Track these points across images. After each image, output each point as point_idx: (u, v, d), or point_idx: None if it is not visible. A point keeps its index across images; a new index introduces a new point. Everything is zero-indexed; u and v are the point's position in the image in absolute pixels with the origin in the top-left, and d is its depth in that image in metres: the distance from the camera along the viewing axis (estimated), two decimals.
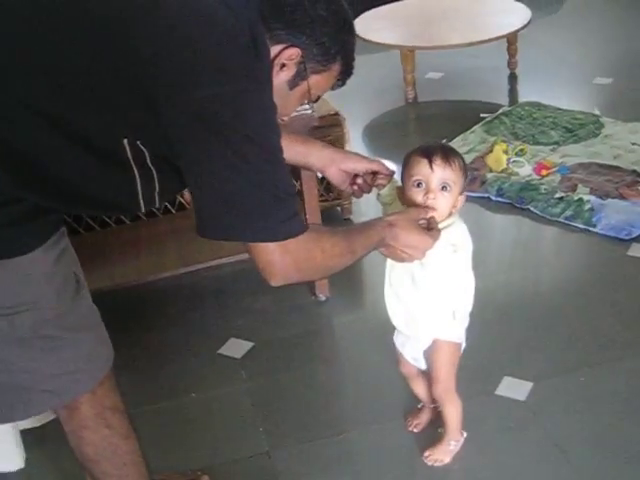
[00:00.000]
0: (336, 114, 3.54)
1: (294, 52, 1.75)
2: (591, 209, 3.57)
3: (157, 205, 1.87)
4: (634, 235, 3.44)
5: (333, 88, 1.92)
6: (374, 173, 2.26)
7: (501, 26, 4.93)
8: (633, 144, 4.07)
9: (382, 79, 5.23)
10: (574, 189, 3.72)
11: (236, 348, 3.07)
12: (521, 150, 4.03)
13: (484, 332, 3.00)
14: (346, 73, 1.89)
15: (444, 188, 2.13)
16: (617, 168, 3.87)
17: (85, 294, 1.96)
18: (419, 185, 2.13)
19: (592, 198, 3.63)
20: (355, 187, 2.28)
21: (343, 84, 1.93)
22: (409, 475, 2.48)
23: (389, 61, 5.18)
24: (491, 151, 4.02)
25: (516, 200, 3.74)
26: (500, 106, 4.65)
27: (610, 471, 2.42)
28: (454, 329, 2.33)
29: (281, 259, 1.75)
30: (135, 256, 3.29)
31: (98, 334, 2.00)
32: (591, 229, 3.52)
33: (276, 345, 3.08)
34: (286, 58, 1.76)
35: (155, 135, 1.68)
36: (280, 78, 1.78)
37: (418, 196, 2.13)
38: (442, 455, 2.49)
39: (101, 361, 2.00)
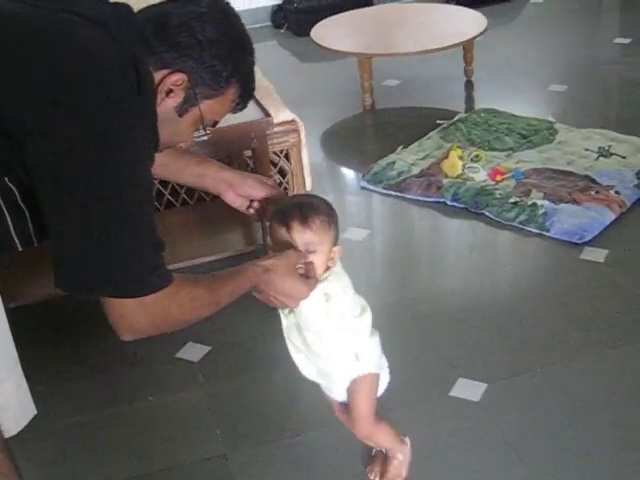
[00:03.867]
0: (293, 121, 3.56)
1: (179, 77, 1.69)
2: (545, 214, 3.62)
3: (35, 243, 1.76)
4: (586, 239, 3.49)
5: (234, 111, 1.86)
6: (271, 200, 2.19)
7: (457, 34, 4.97)
8: (586, 150, 4.12)
9: (339, 86, 5.26)
10: (528, 194, 3.77)
11: (193, 352, 3.07)
12: (476, 156, 4.08)
13: (439, 335, 3.06)
14: (245, 95, 1.83)
15: (310, 251, 2.04)
16: (570, 173, 3.92)
17: None
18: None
19: (546, 203, 3.68)
20: (251, 211, 2.23)
21: (244, 107, 1.87)
22: (365, 477, 2.50)
23: (346, 69, 5.21)
24: (447, 157, 4.06)
25: (471, 205, 3.78)
26: (456, 113, 4.69)
27: (562, 468, 2.46)
28: (365, 364, 2.20)
29: (135, 314, 1.69)
30: None
31: None
32: (545, 233, 3.56)
33: (233, 348, 3.09)
34: (172, 84, 1.70)
35: (21, 173, 1.61)
36: (167, 105, 1.72)
37: None
38: (398, 471, 2.40)
39: None
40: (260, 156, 3.09)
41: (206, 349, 3.08)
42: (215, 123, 1.86)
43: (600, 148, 4.12)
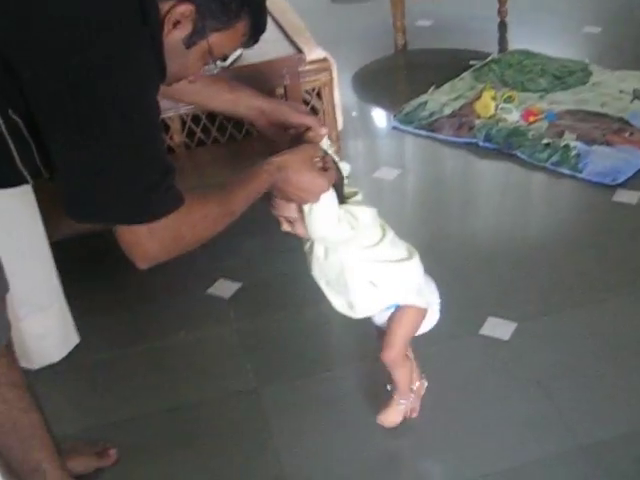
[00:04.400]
0: (325, 59, 3.52)
1: (186, 8, 1.63)
2: (577, 155, 3.60)
3: (46, 176, 1.76)
4: (619, 181, 3.47)
5: (245, 46, 1.82)
6: (307, 128, 2.10)
7: None
8: (621, 92, 4.08)
9: (371, 27, 5.22)
10: (561, 135, 3.74)
11: (225, 288, 3.10)
12: (509, 97, 4.04)
13: (469, 274, 3.07)
14: (256, 30, 1.78)
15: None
16: (604, 115, 3.89)
17: None
18: None
19: (579, 144, 3.65)
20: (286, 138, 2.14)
21: (255, 42, 1.81)
22: None
23: (378, 9, 5.17)
24: (479, 97, 4.03)
25: (503, 146, 3.77)
26: (489, 54, 4.65)
27: (588, 405, 2.48)
28: (390, 294, 2.20)
29: (147, 241, 1.68)
30: None
31: None
32: (577, 175, 3.54)
33: (264, 286, 3.11)
34: (179, 15, 1.64)
35: (23, 104, 1.59)
36: (174, 36, 1.67)
37: None
38: (394, 415, 2.43)
39: None
40: (292, 93, 3.07)
41: (237, 285, 3.11)
42: (225, 57, 1.81)
43: (635, 90, 4.07)
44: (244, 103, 2.13)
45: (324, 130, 2.10)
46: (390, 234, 2.16)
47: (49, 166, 1.72)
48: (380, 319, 2.30)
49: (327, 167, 1.98)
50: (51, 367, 2.75)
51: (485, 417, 2.48)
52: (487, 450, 2.38)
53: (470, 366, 2.67)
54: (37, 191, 2.58)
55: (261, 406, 2.60)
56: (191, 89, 2.04)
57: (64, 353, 2.79)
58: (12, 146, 1.66)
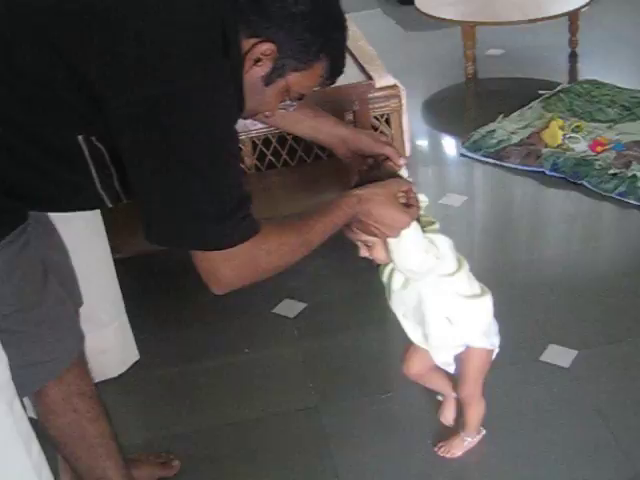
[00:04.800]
0: (394, 86, 3.58)
1: (268, 47, 1.68)
2: None
3: (125, 201, 1.82)
4: None
5: (322, 86, 1.84)
6: (386, 158, 2.14)
7: (563, 3, 4.94)
8: None
9: (442, 55, 5.29)
10: (628, 166, 3.75)
11: (290, 308, 3.17)
12: (577, 127, 4.07)
13: (533, 301, 3.09)
14: (334, 72, 1.81)
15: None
16: None
17: (52, 287, 1.94)
18: None
19: None
20: (365, 167, 2.16)
21: (332, 82, 1.85)
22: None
23: (449, 38, 5.24)
24: (547, 126, 4.06)
25: (570, 175, 3.78)
26: (559, 84, 4.67)
27: None
28: (464, 333, 2.24)
29: (223, 267, 1.72)
30: None
31: (62, 326, 2.00)
32: None
33: (328, 306, 3.17)
34: (261, 53, 1.69)
35: (106, 132, 1.64)
36: (254, 73, 1.72)
37: None
38: (455, 449, 2.47)
39: (65, 352, 2.02)
40: (361, 119, 3.14)
41: (302, 306, 3.17)
42: (302, 96, 1.85)
43: None
44: (326, 130, 2.16)
45: (402, 160, 2.13)
46: (466, 267, 2.18)
47: (128, 192, 1.79)
48: (443, 357, 2.34)
49: (410, 203, 1.99)
50: (116, 380, 2.83)
51: (542, 443, 2.50)
52: (542, 476, 2.40)
53: (530, 392, 2.69)
54: (103, 212, 2.69)
55: (322, 424, 2.65)
56: (277, 113, 2.06)
57: (123, 369, 2.88)
58: (94, 171, 1.74)
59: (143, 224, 1.70)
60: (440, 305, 2.18)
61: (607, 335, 2.89)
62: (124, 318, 2.83)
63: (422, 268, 2.07)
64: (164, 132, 1.60)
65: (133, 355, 2.91)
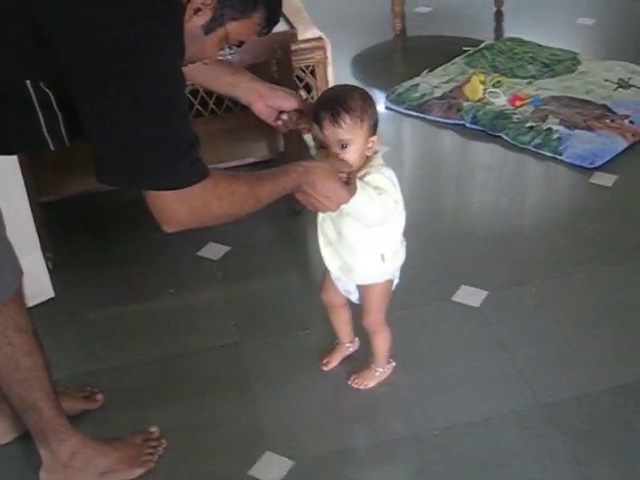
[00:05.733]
0: (319, 38, 3.66)
1: None
2: (559, 138, 3.74)
3: (67, 144, 1.86)
4: (597, 164, 3.61)
5: (259, 35, 1.90)
6: (301, 112, 2.27)
7: None
8: (606, 80, 4.22)
9: (371, 12, 5.36)
10: (545, 119, 3.88)
11: (214, 251, 3.26)
12: (498, 82, 4.19)
13: (448, 246, 3.22)
14: (270, 21, 1.88)
15: (343, 146, 2.15)
16: (588, 102, 4.03)
17: None
18: (322, 147, 2.19)
19: (561, 128, 3.79)
20: (279, 122, 2.30)
21: (269, 31, 1.91)
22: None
23: None
24: (469, 81, 4.18)
25: (489, 127, 3.91)
26: (484, 42, 4.78)
27: (549, 369, 2.63)
28: (385, 270, 2.39)
29: (175, 207, 1.79)
30: None
31: (1, 263, 2.06)
32: (557, 157, 3.69)
33: (252, 250, 3.27)
34: (200, 3, 1.75)
35: (55, 76, 1.70)
36: (194, 22, 1.77)
37: (324, 155, 2.18)
38: (367, 380, 2.60)
39: (4, 286, 2.07)
40: (284, 68, 3.21)
41: (226, 249, 3.26)
42: (241, 44, 1.91)
43: (620, 79, 4.22)
44: (243, 86, 2.26)
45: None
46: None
47: (72, 136, 1.84)
48: (345, 285, 2.48)
49: (349, 181, 2.11)
50: (39, 318, 2.89)
51: (449, 376, 2.63)
52: (448, 405, 2.53)
53: (440, 329, 2.82)
54: (33, 155, 2.75)
55: (242, 359, 2.75)
56: (196, 67, 2.15)
57: (30, 304, 2.93)
58: (41, 116, 1.78)
59: (95, 165, 1.75)
60: (379, 242, 2.31)
61: (516, 277, 3.03)
62: (38, 254, 2.89)
63: (385, 216, 2.21)
64: (117, 76, 1.65)
65: (45, 293, 2.97)
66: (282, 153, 3.40)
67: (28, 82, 1.72)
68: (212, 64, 2.22)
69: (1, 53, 1.71)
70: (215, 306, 2.99)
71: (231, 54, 1.96)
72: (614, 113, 3.92)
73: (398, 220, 2.33)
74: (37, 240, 2.89)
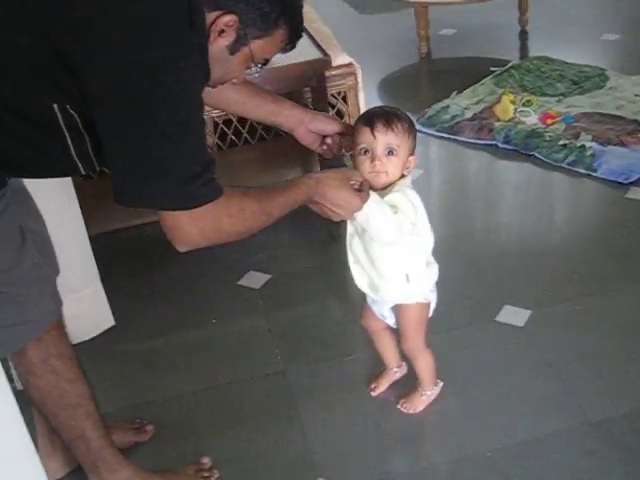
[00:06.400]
0: (350, 64, 3.69)
1: (231, 19, 1.78)
2: (592, 155, 3.74)
3: (97, 168, 1.93)
4: (632, 179, 3.61)
5: (284, 51, 1.94)
6: (343, 134, 2.29)
7: None
8: (636, 95, 4.23)
9: (396, 36, 5.39)
10: (577, 136, 3.89)
11: (254, 280, 3.28)
12: (528, 101, 4.20)
13: (486, 266, 3.22)
14: (293, 36, 1.91)
15: (390, 153, 2.17)
16: (619, 118, 4.04)
17: (30, 252, 2.01)
18: (365, 152, 2.19)
19: (594, 145, 3.80)
20: (324, 147, 2.32)
21: (293, 47, 1.94)
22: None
23: (403, 19, 5.37)
24: (499, 101, 4.19)
25: (522, 147, 3.92)
26: (510, 61, 4.80)
27: (598, 386, 2.62)
28: (414, 291, 2.38)
29: (187, 227, 1.81)
30: None
31: (42, 288, 2.08)
32: (592, 174, 3.69)
33: (292, 277, 3.28)
34: (224, 24, 1.78)
35: (80, 99, 1.73)
36: (219, 44, 1.81)
37: (365, 163, 2.19)
38: (416, 404, 2.60)
39: (46, 314, 2.10)
40: (318, 95, 3.24)
41: (266, 277, 3.28)
42: (266, 61, 1.94)
43: None
44: (285, 113, 2.30)
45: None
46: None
47: (101, 159, 1.87)
48: (381, 309, 2.49)
49: (362, 189, 2.12)
50: (89, 348, 2.92)
51: (498, 396, 2.63)
52: (499, 426, 2.53)
53: (486, 350, 2.82)
54: (79, 189, 2.78)
55: (289, 387, 2.76)
56: (236, 99, 2.26)
57: (95, 333, 2.98)
58: (68, 138, 1.82)
59: (113, 187, 1.78)
60: (403, 263, 2.31)
61: (558, 296, 3.03)
62: (98, 285, 2.94)
63: (397, 236, 2.21)
64: (135, 99, 1.68)
65: (107, 321, 3.01)
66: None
67: (55, 105, 1.76)
68: (252, 94, 2.29)
69: (29, 78, 1.74)
70: (259, 335, 3.00)
71: (257, 74, 1.98)
72: None
73: (422, 241, 2.33)
74: (97, 271, 2.93)
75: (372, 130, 2.17)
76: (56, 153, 1.86)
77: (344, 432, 2.58)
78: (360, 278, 2.41)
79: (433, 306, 2.46)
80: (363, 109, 3.83)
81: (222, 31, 1.80)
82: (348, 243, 2.37)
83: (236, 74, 1.95)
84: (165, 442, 2.61)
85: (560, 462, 2.38)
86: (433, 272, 2.40)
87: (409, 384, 2.66)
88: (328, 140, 2.31)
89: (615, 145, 3.80)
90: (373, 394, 2.67)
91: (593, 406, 2.55)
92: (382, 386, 2.69)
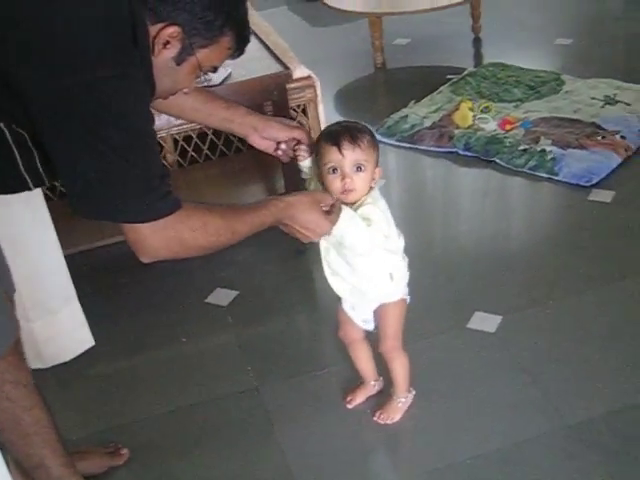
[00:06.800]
0: (309, 77, 3.68)
1: (174, 30, 1.77)
2: (553, 159, 3.76)
3: (47, 183, 1.94)
4: (594, 182, 3.63)
5: (232, 58, 1.93)
6: (298, 141, 2.29)
7: None
8: (592, 98, 4.26)
9: (350, 48, 5.40)
10: (537, 141, 3.91)
11: (222, 296, 3.24)
12: (486, 107, 4.21)
13: (454, 274, 3.22)
14: (240, 43, 1.90)
15: (359, 169, 2.16)
16: (577, 121, 4.06)
17: None
18: (334, 171, 2.17)
19: (554, 149, 3.82)
20: (279, 152, 2.32)
21: (241, 53, 1.93)
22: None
23: (356, 30, 5.39)
24: (457, 109, 4.20)
25: (482, 153, 3.93)
26: (465, 69, 4.81)
27: (572, 389, 2.62)
28: (396, 289, 2.40)
29: (150, 239, 1.81)
30: None
31: None
32: (554, 177, 3.71)
33: (260, 293, 3.25)
34: (168, 36, 1.78)
35: (26, 120, 1.74)
36: (164, 56, 1.81)
37: (335, 182, 2.17)
38: (392, 413, 2.58)
39: (1, 339, 2.04)
40: (280, 108, 3.23)
41: (234, 294, 3.25)
42: (215, 69, 1.93)
43: (606, 96, 4.26)
44: (238, 120, 2.30)
45: (311, 141, 2.28)
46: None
47: (49, 173, 1.89)
48: (363, 314, 2.47)
49: (332, 211, 2.12)
50: (53, 375, 2.87)
51: (474, 403, 2.62)
52: (477, 433, 2.52)
53: (458, 357, 2.81)
54: (51, 209, 2.74)
55: (263, 404, 2.72)
56: (190, 106, 2.25)
57: (75, 354, 2.93)
58: (17, 155, 1.83)
59: (70, 201, 1.78)
60: (386, 262, 2.31)
61: (528, 300, 3.03)
62: (75, 305, 2.88)
63: (370, 248, 2.22)
64: (82, 119, 1.68)
65: (87, 341, 2.96)
66: (283, 194, 3.40)
67: (1, 124, 1.78)
68: (206, 101, 2.27)
69: None
70: (229, 352, 2.97)
71: (206, 82, 2.04)
72: (604, 130, 3.95)
73: (396, 245, 2.33)
74: (74, 291, 2.88)
75: (339, 148, 2.14)
76: (4, 169, 1.86)
77: (322, 447, 2.55)
78: (341, 287, 2.39)
79: (408, 300, 2.45)
80: (323, 121, 3.83)
81: (167, 42, 1.80)
82: (323, 257, 2.35)
83: (185, 84, 1.94)
84: (140, 465, 2.56)
85: (541, 466, 2.38)
86: (406, 264, 2.40)
87: (384, 394, 2.65)
88: (282, 146, 2.31)
89: (575, 148, 3.82)
90: (349, 406, 2.65)
91: (570, 409, 2.55)
92: (358, 398, 2.67)
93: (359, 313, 2.47)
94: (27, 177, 1.88)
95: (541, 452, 2.42)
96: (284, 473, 2.47)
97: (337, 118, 4.49)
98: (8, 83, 1.69)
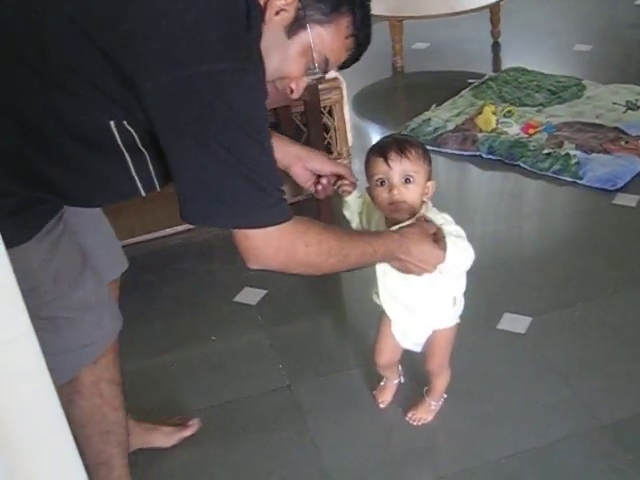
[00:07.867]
0: (335, 78, 3.71)
1: None
2: (577, 163, 3.78)
3: (158, 189, 1.80)
4: (619, 186, 3.66)
5: (347, 62, 1.86)
6: (339, 177, 2.26)
7: None
8: (614, 104, 4.29)
9: (370, 49, 5.37)
10: (561, 145, 3.93)
11: (251, 296, 3.26)
12: (509, 111, 4.24)
13: (483, 275, 3.21)
14: (359, 30, 1.79)
15: (407, 180, 2.12)
16: (600, 126, 4.09)
17: (88, 275, 1.95)
18: (382, 183, 2.14)
19: (578, 153, 3.84)
20: (319, 187, 2.26)
21: (360, 50, 1.85)
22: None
23: (376, 32, 5.36)
24: (480, 112, 4.23)
25: (506, 157, 3.95)
26: (484, 74, 4.84)
27: (605, 389, 2.64)
28: (455, 314, 2.40)
29: (262, 246, 1.73)
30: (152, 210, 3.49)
31: (102, 311, 2.01)
32: (578, 181, 3.73)
33: (288, 292, 3.26)
34: (282, 3, 1.67)
35: (139, 115, 1.63)
36: (276, 24, 1.69)
37: (383, 194, 2.14)
38: (425, 414, 2.59)
39: (104, 336, 2.04)
40: (312, 109, 3.23)
41: (262, 293, 3.26)
42: (326, 62, 1.80)
43: (628, 102, 4.28)
44: (282, 149, 2.15)
45: (355, 178, 2.28)
46: None
47: (162, 177, 1.77)
48: (416, 339, 2.47)
49: (438, 239, 2.09)
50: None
51: (507, 404, 2.63)
52: (511, 433, 2.53)
53: (490, 358, 2.83)
54: None
55: (296, 402, 2.74)
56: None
57: None
58: (127, 156, 1.72)
59: (180, 203, 1.70)
60: (453, 285, 2.32)
61: (557, 301, 3.05)
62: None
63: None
64: (202, 114, 1.58)
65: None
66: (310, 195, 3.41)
67: (112, 123, 1.66)
68: None
69: (84, 95, 1.64)
70: (260, 350, 2.99)
71: (317, 75, 1.83)
72: (627, 134, 3.98)
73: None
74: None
75: (386, 159, 2.12)
76: (116, 175, 1.75)
77: (356, 444, 2.56)
78: (394, 310, 2.36)
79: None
80: (349, 122, 3.86)
81: (280, 10, 1.69)
82: (380, 281, 2.29)
83: (294, 68, 1.78)
84: (174, 463, 2.57)
85: (576, 465, 2.39)
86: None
87: (412, 390, 2.67)
88: (324, 180, 2.26)
89: (599, 153, 3.84)
90: (382, 406, 2.67)
91: (603, 409, 2.56)
92: (388, 397, 2.69)
93: (411, 337, 2.45)
94: (138, 182, 1.76)
95: (576, 451, 2.43)
96: (319, 470, 2.49)
97: (358, 121, 4.53)
98: (123, 73, 1.59)
